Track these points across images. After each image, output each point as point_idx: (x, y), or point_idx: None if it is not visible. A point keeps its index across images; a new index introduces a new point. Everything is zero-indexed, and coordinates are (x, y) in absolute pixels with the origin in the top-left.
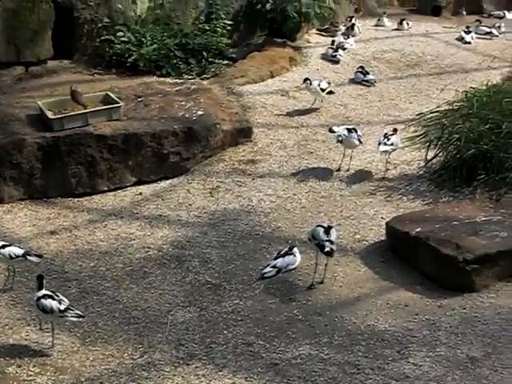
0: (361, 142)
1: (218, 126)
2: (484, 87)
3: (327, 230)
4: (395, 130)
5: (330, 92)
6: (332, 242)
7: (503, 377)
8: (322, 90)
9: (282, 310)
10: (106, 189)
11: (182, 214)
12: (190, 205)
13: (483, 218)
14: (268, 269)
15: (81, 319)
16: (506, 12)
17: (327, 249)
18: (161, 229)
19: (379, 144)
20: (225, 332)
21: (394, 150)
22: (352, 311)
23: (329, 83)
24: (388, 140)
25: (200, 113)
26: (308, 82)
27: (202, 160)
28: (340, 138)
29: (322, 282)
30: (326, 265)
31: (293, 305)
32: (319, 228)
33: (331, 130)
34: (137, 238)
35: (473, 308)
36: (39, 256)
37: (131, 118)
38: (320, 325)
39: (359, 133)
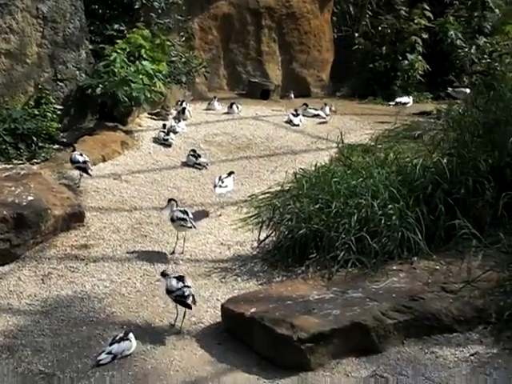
0: (194, 225)
1: (48, 211)
2: (313, 168)
3: (180, 278)
4: (230, 174)
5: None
6: (189, 287)
7: None
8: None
9: None
10: None
11: (12, 303)
12: (21, 292)
13: (316, 297)
14: (103, 355)
15: None
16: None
17: (187, 292)
18: None
19: (215, 187)
20: None
21: (228, 192)
22: None
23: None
24: (223, 183)
25: (30, 198)
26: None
27: (33, 246)
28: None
29: (173, 325)
30: (184, 313)
31: None
32: (171, 279)
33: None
34: None
35: None
36: None
37: None
38: None
39: (191, 215)
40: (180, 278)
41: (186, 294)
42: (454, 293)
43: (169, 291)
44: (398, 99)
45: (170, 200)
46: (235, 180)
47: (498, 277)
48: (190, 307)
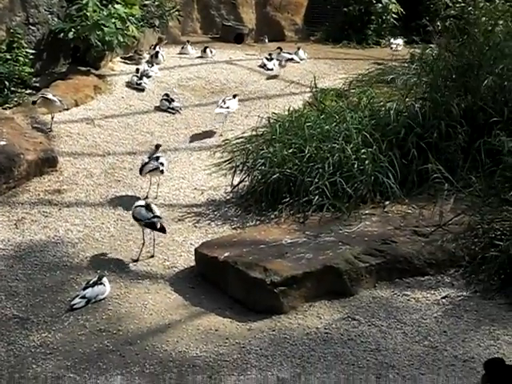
0: (162, 170)
1: (21, 156)
2: (286, 112)
3: (148, 207)
4: (235, 96)
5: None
6: (160, 217)
7: None
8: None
9: (92, 342)
10: None
11: None
12: None
13: (289, 241)
14: (77, 300)
15: None
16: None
17: (158, 225)
18: None
19: (216, 107)
20: (34, 366)
21: (229, 113)
22: (163, 339)
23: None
24: (224, 103)
25: (3, 143)
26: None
27: (6, 191)
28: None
29: (152, 256)
30: (154, 240)
31: (103, 335)
32: (139, 208)
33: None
34: None
35: (281, 330)
36: None
37: None
38: (131, 354)
39: (161, 160)
40: (148, 207)
41: (159, 226)
42: (425, 236)
43: (137, 219)
44: (394, 41)
45: (157, 146)
46: (208, 125)
47: (470, 220)
48: (163, 231)
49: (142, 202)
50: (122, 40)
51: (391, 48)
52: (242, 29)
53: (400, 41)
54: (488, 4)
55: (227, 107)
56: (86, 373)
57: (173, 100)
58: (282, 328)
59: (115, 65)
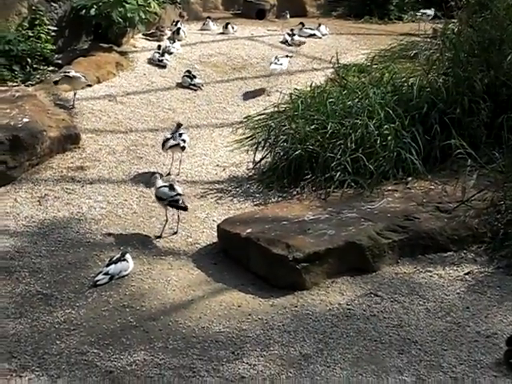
0: (183, 147)
1: (44, 133)
2: (308, 88)
3: (171, 187)
4: (287, 56)
5: None
6: (182, 195)
7: (335, 372)
8: None
9: (115, 317)
10: None
11: (9, 224)
12: (17, 214)
13: (311, 217)
14: (100, 276)
15: None
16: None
17: (180, 201)
18: None
19: (270, 64)
20: (58, 342)
21: (282, 71)
22: (186, 315)
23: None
24: (278, 60)
25: (26, 120)
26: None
27: (29, 168)
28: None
29: (175, 232)
30: (178, 217)
31: (126, 311)
32: (163, 188)
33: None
34: None
35: (304, 306)
36: None
37: None
38: (154, 330)
39: (184, 137)
40: (171, 187)
41: (180, 202)
42: (448, 212)
43: (160, 199)
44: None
45: (178, 124)
46: (230, 102)
47: (493, 196)
48: (185, 209)
49: (165, 183)
50: (143, 16)
51: (424, 15)
52: (264, 4)
53: (429, 11)
54: None
55: (281, 64)
56: (109, 348)
57: (194, 76)
58: (304, 304)
59: (137, 41)
